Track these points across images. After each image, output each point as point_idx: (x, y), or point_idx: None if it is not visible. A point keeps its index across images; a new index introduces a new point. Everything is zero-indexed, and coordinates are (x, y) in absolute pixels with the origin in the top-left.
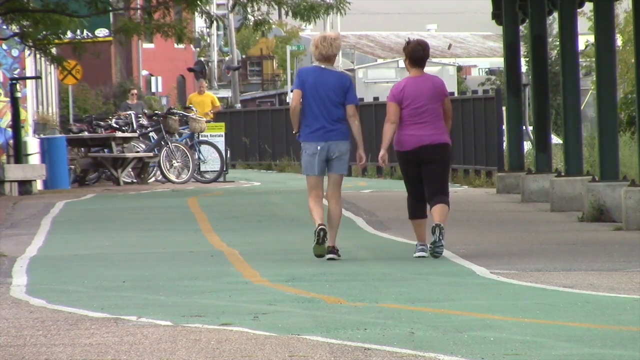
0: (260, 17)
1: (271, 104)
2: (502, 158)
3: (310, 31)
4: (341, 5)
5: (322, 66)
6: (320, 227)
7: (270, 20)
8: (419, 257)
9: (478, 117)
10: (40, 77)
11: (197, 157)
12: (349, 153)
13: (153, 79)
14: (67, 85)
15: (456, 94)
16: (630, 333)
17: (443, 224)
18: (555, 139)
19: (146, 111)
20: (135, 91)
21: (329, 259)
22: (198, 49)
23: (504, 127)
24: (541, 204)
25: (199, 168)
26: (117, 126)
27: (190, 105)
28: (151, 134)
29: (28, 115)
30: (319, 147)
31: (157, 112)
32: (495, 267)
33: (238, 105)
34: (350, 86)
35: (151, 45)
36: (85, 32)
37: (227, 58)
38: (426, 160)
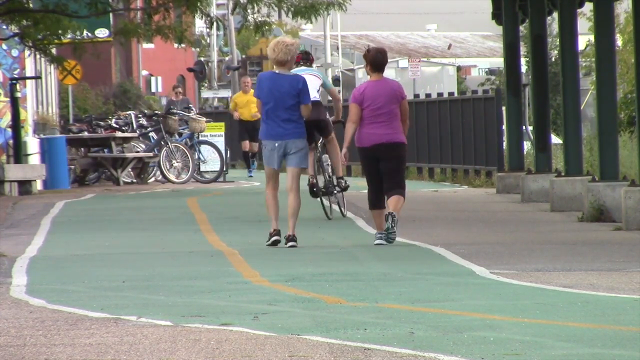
0: (260, 19)
1: None
2: (502, 158)
3: (310, 31)
4: (342, 1)
5: (277, 71)
6: (274, 236)
7: (271, 22)
8: (378, 244)
9: (478, 117)
10: (40, 77)
11: (197, 157)
12: (306, 149)
13: (153, 79)
14: (67, 85)
15: (456, 94)
16: (630, 333)
17: (396, 213)
18: (555, 139)
19: (191, 106)
20: (180, 89)
21: (290, 246)
22: (198, 49)
23: (504, 127)
24: (541, 204)
25: (199, 168)
26: (117, 126)
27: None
28: (151, 134)
29: (28, 115)
30: (276, 144)
31: (157, 112)
32: (495, 267)
33: None
34: (302, 88)
35: (151, 46)
36: (85, 32)
37: (227, 58)
38: (383, 157)
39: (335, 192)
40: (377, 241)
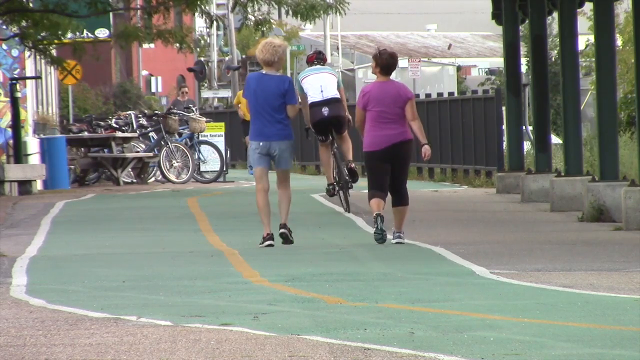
0: (260, 17)
1: None
2: (502, 158)
3: (310, 31)
4: (340, 5)
5: (264, 72)
6: (268, 241)
7: (271, 20)
8: (378, 235)
9: (478, 117)
10: (40, 77)
11: (197, 157)
12: (291, 150)
13: (153, 79)
14: (67, 85)
15: (456, 94)
16: (630, 333)
17: (400, 231)
18: (555, 139)
19: (195, 107)
20: (186, 89)
21: (281, 234)
22: (198, 49)
23: (504, 127)
24: (541, 204)
25: (199, 168)
26: (117, 126)
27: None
28: (151, 134)
29: (28, 115)
30: (261, 144)
31: (157, 112)
32: (495, 267)
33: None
34: (289, 88)
35: (151, 46)
36: (85, 32)
37: (227, 58)
38: (394, 155)
39: (348, 186)
40: (376, 233)
